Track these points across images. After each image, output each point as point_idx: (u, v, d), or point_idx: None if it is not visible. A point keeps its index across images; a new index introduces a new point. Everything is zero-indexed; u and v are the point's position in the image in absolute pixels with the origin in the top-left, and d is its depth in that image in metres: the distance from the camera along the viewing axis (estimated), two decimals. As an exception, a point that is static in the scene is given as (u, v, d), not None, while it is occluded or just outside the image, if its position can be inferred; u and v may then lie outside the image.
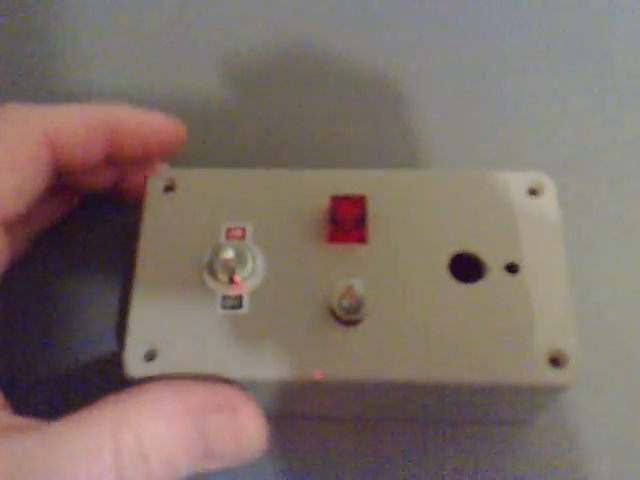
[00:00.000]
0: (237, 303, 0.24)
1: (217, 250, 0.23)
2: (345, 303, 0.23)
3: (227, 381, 0.23)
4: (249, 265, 0.24)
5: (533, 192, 0.25)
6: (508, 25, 0.37)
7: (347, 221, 0.24)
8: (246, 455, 0.22)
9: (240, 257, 0.24)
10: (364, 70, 0.35)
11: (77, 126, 0.25)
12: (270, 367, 0.22)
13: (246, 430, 0.21)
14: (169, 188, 0.26)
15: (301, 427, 0.27)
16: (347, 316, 0.23)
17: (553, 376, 0.22)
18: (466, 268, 0.24)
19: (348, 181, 0.26)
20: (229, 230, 0.25)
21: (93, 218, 0.31)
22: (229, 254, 0.23)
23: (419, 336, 0.23)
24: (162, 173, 0.26)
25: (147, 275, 0.24)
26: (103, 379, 0.27)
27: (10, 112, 0.25)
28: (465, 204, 0.25)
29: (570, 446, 0.26)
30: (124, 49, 0.36)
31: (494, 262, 0.24)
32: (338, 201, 0.24)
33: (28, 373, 0.27)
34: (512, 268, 0.24)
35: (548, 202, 0.25)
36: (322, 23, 0.37)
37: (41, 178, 0.25)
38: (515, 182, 0.25)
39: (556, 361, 0.22)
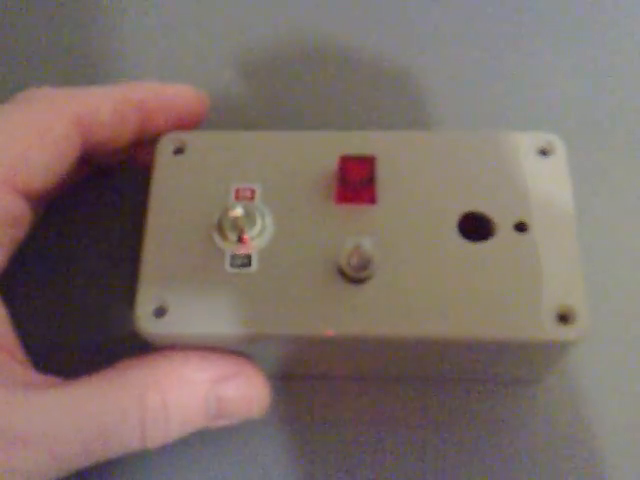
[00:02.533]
0: (246, 262, 0.24)
1: (226, 209, 0.24)
2: (353, 261, 0.23)
3: (237, 352, 0.24)
4: (258, 224, 0.24)
5: (543, 152, 0.25)
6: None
7: (356, 181, 0.24)
8: (254, 415, 0.24)
9: (249, 216, 0.24)
10: (373, 44, 0.35)
11: (107, 107, 0.26)
12: (278, 323, 0.23)
13: (257, 394, 0.24)
14: (179, 150, 0.26)
15: (309, 387, 0.27)
16: (355, 274, 0.23)
17: (561, 332, 0.22)
18: (475, 227, 0.24)
19: (357, 142, 0.26)
20: (238, 191, 0.25)
21: (106, 184, 0.31)
22: (238, 212, 0.23)
23: (427, 294, 0.23)
24: (172, 135, 0.26)
25: (157, 234, 0.24)
26: (117, 342, 0.27)
27: (42, 93, 0.25)
28: (474, 164, 0.25)
29: (578, 405, 0.26)
30: (140, 44, 0.36)
31: (503, 221, 0.24)
32: (347, 161, 0.24)
33: (44, 339, 0.28)
34: (521, 227, 0.24)
35: (558, 162, 0.25)
36: (328, 6, 0.37)
37: (69, 157, 0.25)
38: (525, 142, 0.25)
39: (564, 318, 0.22)
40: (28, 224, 0.25)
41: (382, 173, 0.25)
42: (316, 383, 0.27)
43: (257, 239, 0.24)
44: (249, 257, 0.24)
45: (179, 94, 0.27)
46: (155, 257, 0.24)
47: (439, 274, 0.23)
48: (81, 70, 0.35)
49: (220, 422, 0.24)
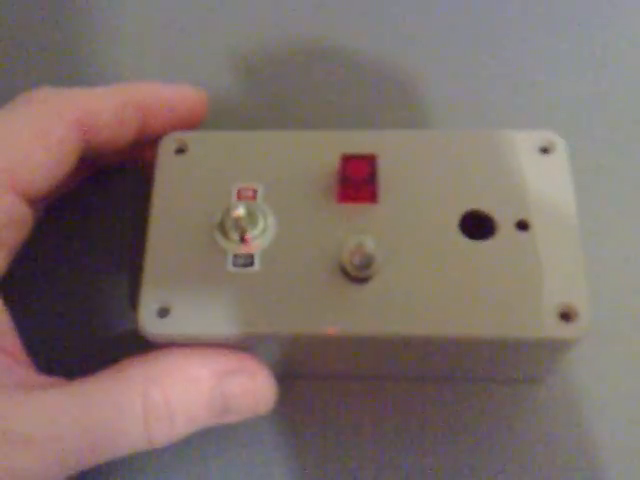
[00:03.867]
0: (248, 262, 0.24)
1: (228, 209, 0.24)
2: (355, 260, 0.23)
3: (241, 349, 0.24)
4: (260, 224, 0.24)
5: (544, 150, 0.25)
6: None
7: (358, 180, 0.24)
8: (260, 411, 0.24)
9: (251, 216, 0.24)
10: (373, 45, 0.35)
11: (108, 108, 0.26)
12: (281, 322, 0.23)
13: (262, 389, 0.23)
14: (181, 150, 0.26)
15: (311, 386, 0.27)
16: (357, 273, 0.23)
17: (563, 330, 0.22)
18: (477, 226, 0.24)
19: (359, 141, 0.26)
20: (240, 191, 0.25)
21: (107, 185, 0.31)
22: (240, 211, 0.23)
23: (430, 292, 0.23)
24: (174, 135, 0.26)
25: (160, 235, 0.24)
26: (121, 343, 0.28)
27: (43, 94, 0.25)
28: (476, 163, 0.25)
29: (579, 403, 0.26)
30: (128, 46, 0.36)
31: (505, 219, 0.24)
32: (349, 160, 0.24)
33: (47, 340, 0.28)
34: (523, 225, 0.24)
35: (559, 160, 0.25)
36: (329, 7, 0.37)
37: (70, 159, 0.25)
38: (526, 141, 0.25)
39: (566, 316, 0.22)
40: (29, 226, 0.25)
41: (384, 172, 0.25)
42: (319, 382, 0.27)
43: (259, 239, 0.24)
44: (251, 257, 0.24)
45: (178, 94, 0.27)
46: (158, 257, 0.24)
47: (441, 272, 0.23)
48: (79, 72, 0.35)
49: (226, 419, 0.23)
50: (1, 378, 0.21)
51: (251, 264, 0.24)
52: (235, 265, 0.24)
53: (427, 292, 0.23)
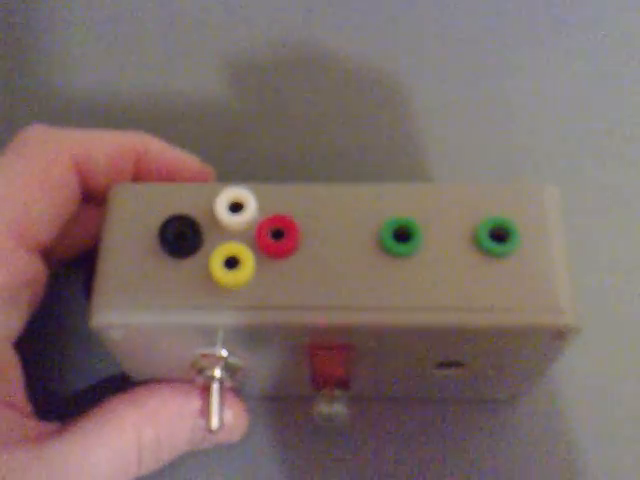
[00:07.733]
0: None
1: None
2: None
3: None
4: None
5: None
6: (507, 26, 0.37)
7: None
8: (234, 440, 0.26)
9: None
10: (364, 69, 0.35)
11: (105, 152, 0.24)
12: None
13: (238, 422, 0.25)
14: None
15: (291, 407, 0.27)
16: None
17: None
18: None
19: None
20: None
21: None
22: None
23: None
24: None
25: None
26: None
27: (37, 134, 0.24)
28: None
29: (556, 422, 0.27)
30: (123, 52, 0.35)
31: None
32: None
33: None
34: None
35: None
36: (320, 25, 0.37)
37: (71, 202, 0.24)
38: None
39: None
40: (43, 283, 0.24)
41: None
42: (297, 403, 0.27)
43: None
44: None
45: (183, 161, 0.26)
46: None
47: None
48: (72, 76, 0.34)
49: (201, 446, 0.25)
50: (15, 434, 0.21)
51: None
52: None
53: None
